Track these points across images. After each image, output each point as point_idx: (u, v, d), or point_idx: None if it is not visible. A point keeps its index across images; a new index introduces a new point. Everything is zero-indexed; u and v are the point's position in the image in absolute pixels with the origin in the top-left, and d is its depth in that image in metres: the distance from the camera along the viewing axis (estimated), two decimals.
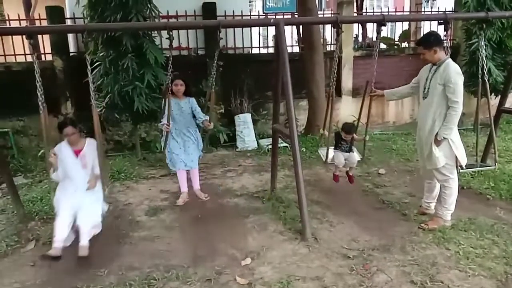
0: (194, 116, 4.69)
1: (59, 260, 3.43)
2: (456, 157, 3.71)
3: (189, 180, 4.87)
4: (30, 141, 7.21)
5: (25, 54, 7.30)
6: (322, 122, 7.57)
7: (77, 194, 3.76)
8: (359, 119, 4.49)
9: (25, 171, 6.21)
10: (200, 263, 3.38)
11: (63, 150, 3.84)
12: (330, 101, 4.23)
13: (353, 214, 4.28)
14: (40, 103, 3.54)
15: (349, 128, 4.46)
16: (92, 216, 3.72)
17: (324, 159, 4.42)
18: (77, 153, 3.87)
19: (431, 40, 3.68)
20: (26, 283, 3.21)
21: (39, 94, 3.52)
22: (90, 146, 3.90)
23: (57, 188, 3.87)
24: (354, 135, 4.47)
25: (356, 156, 4.53)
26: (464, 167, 3.87)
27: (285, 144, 6.58)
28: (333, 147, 4.53)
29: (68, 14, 7.93)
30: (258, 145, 7.38)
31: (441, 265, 3.19)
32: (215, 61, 4.02)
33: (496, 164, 4.39)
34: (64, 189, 3.82)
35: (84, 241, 3.54)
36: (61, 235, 3.53)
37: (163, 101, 4.44)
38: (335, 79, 4.22)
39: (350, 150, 4.51)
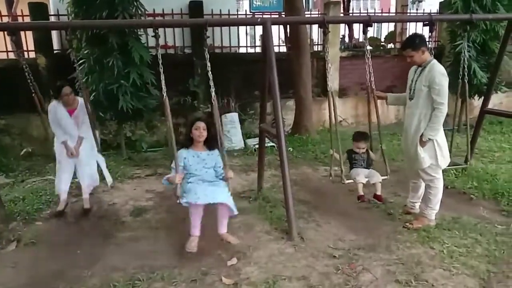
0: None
1: (63, 215, 4.34)
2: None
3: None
4: (13, 140, 7.06)
5: (7, 51, 7.15)
6: (309, 122, 7.76)
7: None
8: (370, 131, 4.14)
9: (7, 170, 6.08)
10: (186, 264, 3.34)
11: (58, 110, 4.35)
12: (333, 113, 3.85)
13: (339, 214, 4.30)
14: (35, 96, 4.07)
15: (359, 135, 4.09)
16: (90, 172, 4.56)
17: (340, 180, 3.88)
18: (70, 113, 4.39)
19: (417, 41, 3.71)
20: (7, 285, 3.14)
21: (30, 84, 4.00)
22: (82, 106, 4.34)
23: (55, 141, 4.47)
24: (371, 153, 4.09)
25: (377, 174, 4.02)
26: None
27: (272, 144, 6.58)
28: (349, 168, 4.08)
29: (52, 10, 7.82)
30: (245, 144, 7.37)
31: (426, 264, 3.22)
32: (209, 68, 3.64)
33: (468, 162, 4.44)
34: (61, 143, 4.41)
35: (86, 195, 4.50)
36: (64, 187, 4.44)
37: (181, 152, 3.68)
38: (331, 85, 4.01)
39: (369, 166, 4.06)
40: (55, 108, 4.36)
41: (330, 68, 3.98)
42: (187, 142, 3.75)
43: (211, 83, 3.66)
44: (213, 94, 3.68)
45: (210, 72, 3.65)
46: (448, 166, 4.24)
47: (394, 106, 9.04)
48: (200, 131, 3.68)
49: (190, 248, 3.48)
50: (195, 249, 3.48)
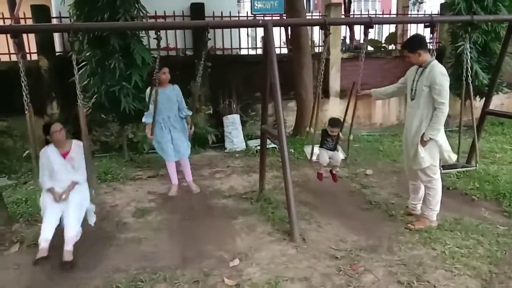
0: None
1: (47, 259, 3.43)
2: (440, 157, 3.79)
3: (179, 172, 5.03)
4: (15, 142, 7.08)
5: (9, 54, 7.18)
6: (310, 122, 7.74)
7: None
8: (344, 119, 4.48)
9: (9, 172, 6.11)
10: (188, 265, 3.36)
11: (50, 153, 3.84)
12: (317, 100, 4.23)
13: (340, 215, 4.30)
14: (25, 103, 3.45)
15: (335, 122, 4.45)
16: (77, 222, 3.67)
17: (309, 157, 4.41)
18: (64, 155, 3.88)
19: (415, 43, 3.73)
20: (10, 287, 3.15)
21: (24, 94, 3.42)
22: (77, 148, 3.89)
23: (43, 191, 3.82)
24: (340, 134, 4.47)
25: (340, 155, 4.52)
26: (443, 169, 3.95)
27: (273, 145, 6.59)
28: (318, 146, 4.51)
29: (54, 13, 7.83)
30: (246, 146, 7.37)
31: (427, 265, 3.23)
32: (203, 60, 3.99)
33: (477, 164, 4.46)
34: (47, 190, 3.80)
35: (68, 246, 3.49)
36: (46, 235, 3.53)
37: (149, 90, 4.48)
38: (322, 80, 4.21)
39: (335, 149, 4.50)
40: (47, 152, 3.85)
41: (322, 71, 4.15)
42: (156, 82, 4.36)
43: (199, 79, 4.18)
44: (198, 83, 4.26)
45: (201, 72, 4.10)
46: (457, 168, 4.28)
47: (395, 107, 9.19)
48: (166, 75, 4.61)
49: (172, 193, 4.78)
50: (176, 193, 4.77)
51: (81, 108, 3.63)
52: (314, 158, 4.40)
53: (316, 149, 4.44)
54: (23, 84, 3.44)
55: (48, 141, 3.92)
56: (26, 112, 3.49)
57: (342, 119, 4.47)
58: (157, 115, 4.49)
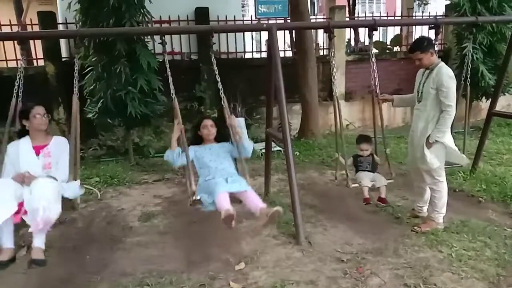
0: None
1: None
2: (445, 159, 3.78)
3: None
4: None
5: (16, 60, 7.26)
6: (315, 126, 7.76)
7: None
8: (375, 132, 4.23)
9: None
10: (194, 268, 3.36)
11: (21, 145, 3.18)
12: (338, 117, 4.02)
13: (346, 218, 4.28)
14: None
15: (362, 138, 4.16)
16: (47, 199, 2.78)
17: (345, 183, 3.98)
18: (37, 150, 3.26)
19: (425, 43, 3.73)
20: None
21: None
22: (57, 144, 3.33)
23: None
24: (375, 157, 4.11)
25: (383, 178, 4.08)
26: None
27: (278, 148, 6.59)
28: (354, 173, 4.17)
29: (60, 19, 7.92)
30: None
31: (434, 268, 3.21)
32: (216, 73, 3.76)
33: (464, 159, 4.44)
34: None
35: (38, 239, 2.83)
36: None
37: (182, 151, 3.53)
38: (336, 88, 4.11)
39: (374, 170, 4.11)
40: (17, 145, 3.25)
41: (335, 73, 4.05)
42: (197, 141, 3.78)
43: (220, 86, 3.80)
44: (222, 95, 3.77)
45: (218, 76, 3.78)
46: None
47: (401, 109, 9.15)
48: (208, 128, 3.75)
49: (230, 224, 3.18)
50: (233, 224, 3.19)
51: (75, 97, 3.52)
52: (351, 184, 3.94)
53: (354, 175, 4.08)
54: (16, 88, 3.51)
55: (22, 133, 3.31)
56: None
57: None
58: (207, 171, 3.63)
